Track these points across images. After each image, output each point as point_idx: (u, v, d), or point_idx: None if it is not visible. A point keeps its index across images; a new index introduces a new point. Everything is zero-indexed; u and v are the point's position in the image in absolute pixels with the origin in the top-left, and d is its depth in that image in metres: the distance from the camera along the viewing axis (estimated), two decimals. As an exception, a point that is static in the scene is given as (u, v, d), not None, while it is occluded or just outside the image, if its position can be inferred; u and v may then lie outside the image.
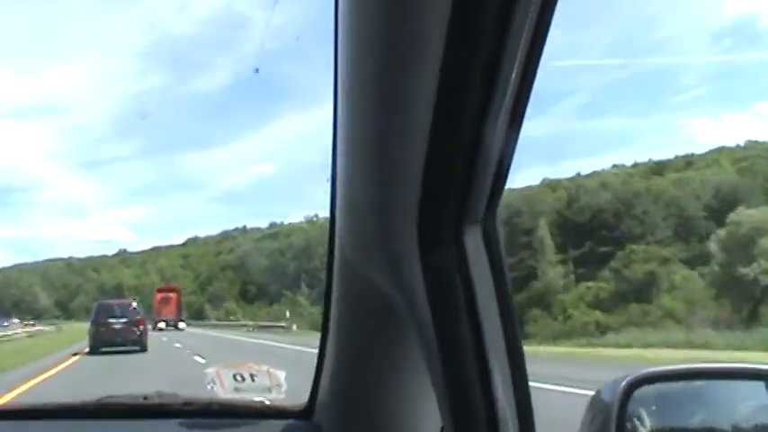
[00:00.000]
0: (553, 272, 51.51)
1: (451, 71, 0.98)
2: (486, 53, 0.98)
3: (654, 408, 1.77)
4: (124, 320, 27.17)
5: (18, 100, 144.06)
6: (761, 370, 1.91)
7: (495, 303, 1.20)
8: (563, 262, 52.67)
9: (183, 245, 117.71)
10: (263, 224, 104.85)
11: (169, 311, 60.21)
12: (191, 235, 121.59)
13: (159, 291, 65.87)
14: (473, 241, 1.18)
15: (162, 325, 55.46)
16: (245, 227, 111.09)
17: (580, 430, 1.68)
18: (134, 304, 29.81)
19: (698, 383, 1.94)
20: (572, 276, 51.51)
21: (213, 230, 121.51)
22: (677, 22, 70.97)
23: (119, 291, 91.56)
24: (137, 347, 26.24)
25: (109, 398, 2.19)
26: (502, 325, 1.20)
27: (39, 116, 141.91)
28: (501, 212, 1.21)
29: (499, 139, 1.09)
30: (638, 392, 1.69)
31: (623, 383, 1.67)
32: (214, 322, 70.22)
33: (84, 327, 29.72)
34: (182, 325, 57.70)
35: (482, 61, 0.98)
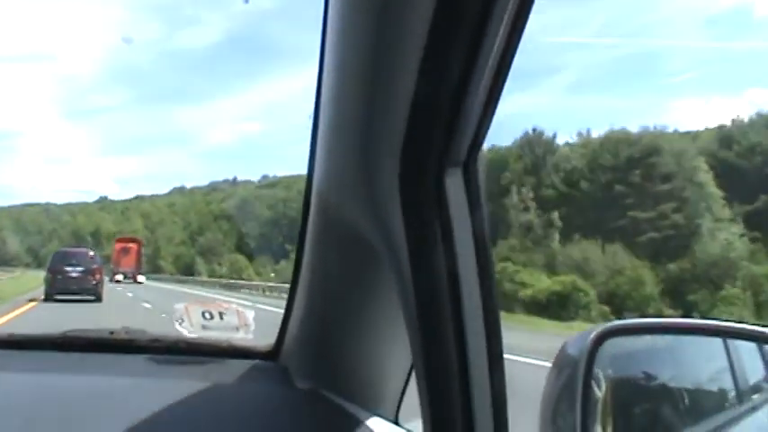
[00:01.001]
0: (727, 233, 41.81)
1: (442, 10, 0.98)
2: (474, 11, 0.98)
3: (614, 367, 1.77)
4: (80, 269, 27.30)
5: (3, 45, 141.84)
6: (721, 327, 1.93)
7: (473, 247, 1.20)
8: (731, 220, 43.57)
9: (169, 194, 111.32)
10: (255, 177, 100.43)
11: (128, 263, 57.98)
12: (176, 184, 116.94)
13: (118, 241, 63.44)
14: (454, 183, 1.18)
15: (120, 277, 53.53)
16: (235, 178, 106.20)
17: (546, 386, 1.66)
18: (91, 253, 30.03)
19: (657, 342, 1.93)
20: (742, 239, 41.65)
21: (201, 182, 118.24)
22: (672, 5, 69.54)
23: (96, 238, 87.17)
24: (92, 296, 26.31)
25: (74, 331, 2.17)
26: (477, 267, 1.20)
27: (24, 62, 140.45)
28: (483, 157, 1.22)
29: (485, 84, 1.09)
30: (604, 346, 1.68)
31: (590, 336, 1.66)
32: (204, 279, 63.22)
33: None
34: (141, 278, 55.69)
35: (473, 5, 0.99)
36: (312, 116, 1.52)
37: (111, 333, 2.18)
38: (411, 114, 1.11)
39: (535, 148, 53.85)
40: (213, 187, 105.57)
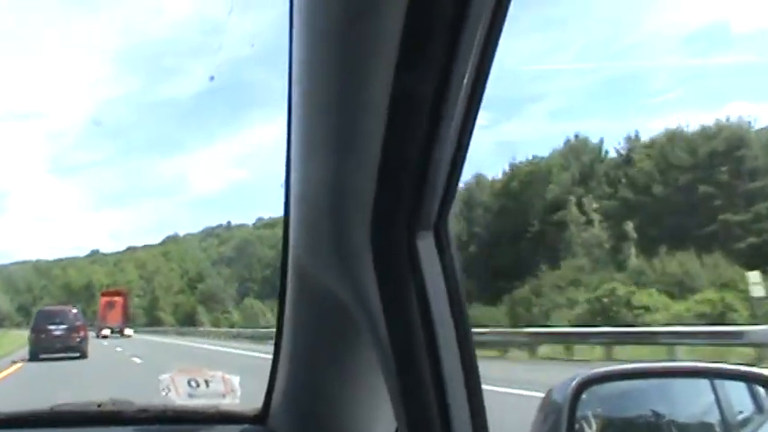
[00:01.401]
0: None
1: (404, 79, 1.01)
2: (437, 61, 1.01)
3: (604, 407, 1.82)
4: (64, 327, 27.34)
5: None
6: (705, 368, 2.01)
7: (448, 307, 1.22)
8: None
9: (162, 243, 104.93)
10: (249, 220, 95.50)
11: (114, 317, 56.81)
12: (169, 233, 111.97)
13: (103, 294, 62.40)
14: (425, 246, 1.21)
15: (106, 332, 52.09)
16: (229, 223, 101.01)
17: (532, 430, 1.69)
18: (74, 311, 29.93)
19: (647, 383, 1.97)
20: None
21: (194, 229, 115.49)
22: (650, 25, 67.78)
23: (88, 291, 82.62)
24: (77, 354, 26.21)
25: (61, 405, 2.16)
26: (454, 327, 1.22)
27: (9, 121, 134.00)
28: (452, 219, 1.24)
29: (450, 147, 1.12)
30: (588, 392, 1.71)
31: (573, 383, 1.69)
32: (208, 329, 58.01)
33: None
34: (128, 331, 54.19)
35: (435, 69, 1.01)
36: (284, 182, 1.53)
37: (99, 405, 2.15)
38: (379, 179, 1.13)
39: (581, 155, 48.52)
40: (208, 233, 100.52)
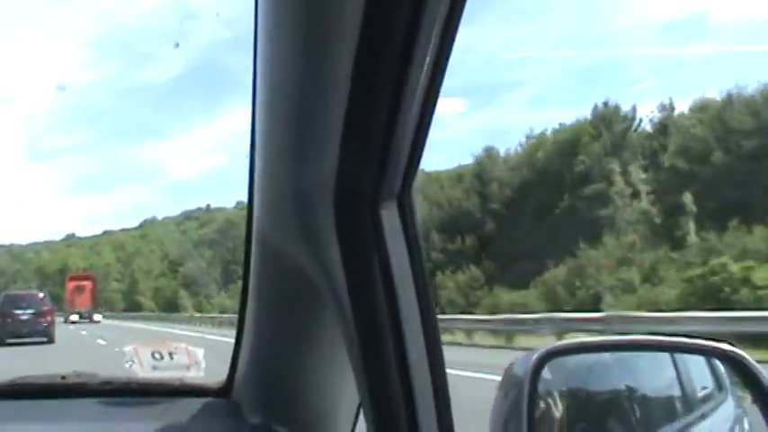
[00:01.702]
0: None
1: (367, 49, 1.00)
2: (400, 31, 1.00)
3: (565, 381, 1.81)
4: (31, 311, 27.27)
5: None
6: (667, 342, 1.97)
7: (411, 277, 1.22)
8: None
9: (140, 227, 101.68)
10: (229, 204, 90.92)
11: (83, 302, 55.76)
12: (147, 217, 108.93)
13: (71, 278, 60.59)
14: (389, 215, 1.21)
15: (75, 317, 51.04)
16: (208, 206, 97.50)
17: (493, 408, 1.69)
18: (41, 295, 30.06)
19: (609, 356, 1.97)
20: None
21: (172, 212, 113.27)
22: (627, 14, 70.95)
23: (64, 274, 78.00)
24: (44, 339, 26.14)
25: (23, 378, 2.14)
26: (417, 299, 1.23)
27: None
28: (415, 190, 1.25)
29: (414, 117, 1.11)
30: (550, 366, 1.71)
31: (534, 357, 1.70)
32: (191, 315, 54.07)
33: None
34: (97, 317, 53.00)
35: (397, 40, 1.01)
36: (249, 152, 1.52)
37: (63, 378, 2.13)
38: (342, 147, 1.12)
39: (613, 124, 43.82)
40: (186, 216, 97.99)
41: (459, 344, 21.13)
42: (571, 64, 69.19)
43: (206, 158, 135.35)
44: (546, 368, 1.69)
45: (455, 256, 43.84)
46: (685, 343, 1.94)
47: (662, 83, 75.15)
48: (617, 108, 44.29)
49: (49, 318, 27.79)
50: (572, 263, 35.57)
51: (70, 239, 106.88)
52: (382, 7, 0.97)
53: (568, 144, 44.15)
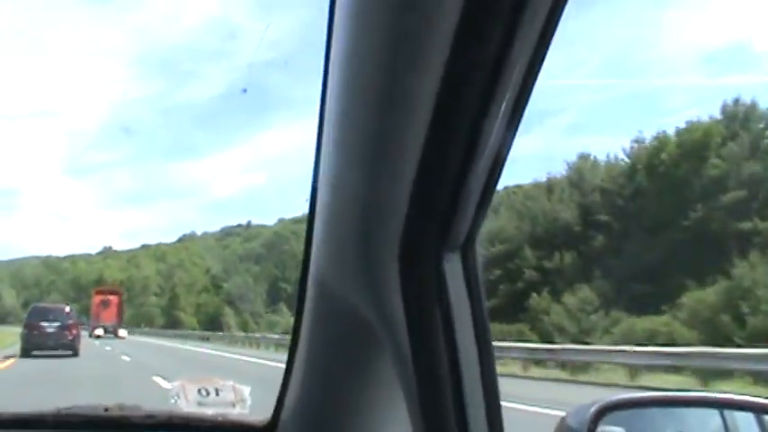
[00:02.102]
0: None
1: (446, 96, 1.01)
2: (482, 80, 1.00)
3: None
4: (57, 324, 27.38)
5: (8, 103, 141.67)
6: (715, 399, 2.01)
7: (472, 329, 1.22)
8: None
9: (179, 241, 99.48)
10: (270, 221, 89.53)
11: (108, 316, 54.41)
12: (185, 232, 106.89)
13: (97, 292, 59.53)
14: (452, 268, 1.20)
15: (99, 332, 49.86)
16: (249, 222, 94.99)
17: None
18: (67, 309, 30.05)
19: (658, 411, 1.97)
20: None
21: (211, 228, 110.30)
22: (669, 43, 70.10)
23: (99, 286, 74.90)
24: (69, 352, 26.31)
25: (68, 409, 2.13)
26: (477, 351, 1.22)
27: (29, 119, 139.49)
28: (479, 242, 1.23)
29: (483, 171, 1.12)
30: (605, 420, 1.70)
31: (592, 409, 1.68)
32: (236, 334, 50.83)
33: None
34: (122, 332, 51.92)
35: (478, 88, 1.01)
36: (309, 197, 1.53)
37: (106, 410, 2.14)
38: (411, 199, 1.13)
39: (751, 124, 37.49)
40: (227, 232, 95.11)
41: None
42: (612, 92, 70.67)
43: (245, 177, 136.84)
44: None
45: (552, 274, 39.42)
46: (735, 399, 1.96)
47: (703, 112, 69.73)
48: (753, 105, 38.00)
49: (74, 331, 27.93)
50: (725, 283, 29.06)
51: (106, 252, 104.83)
52: (463, 56, 0.96)
53: (697, 146, 37.62)
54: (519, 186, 47.02)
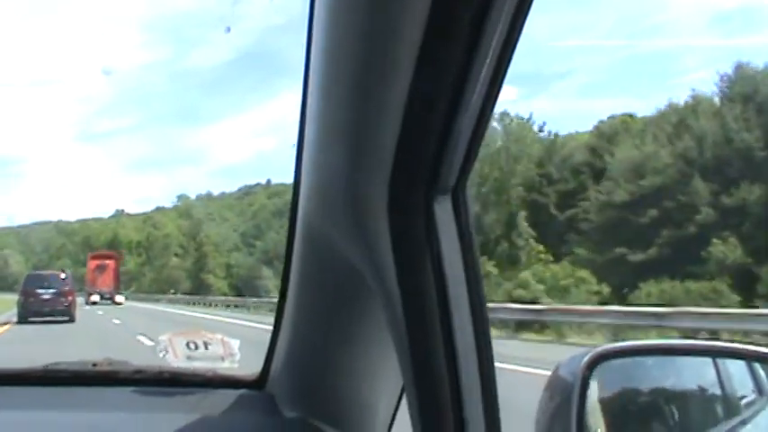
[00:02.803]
0: None
1: (431, 41, 0.99)
2: (466, 27, 0.98)
3: (609, 384, 1.80)
4: (53, 291, 28.04)
5: (16, 69, 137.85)
6: (708, 346, 2.00)
7: (463, 273, 1.21)
8: None
9: (197, 199, 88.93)
10: (289, 180, 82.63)
11: (105, 282, 52.74)
12: (200, 192, 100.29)
13: (93, 257, 57.53)
14: (442, 210, 1.19)
15: (95, 298, 48.09)
16: (269, 181, 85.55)
17: (539, 410, 1.68)
18: (63, 275, 30.56)
19: (656, 358, 1.96)
20: None
21: (229, 188, 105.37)
22: (680, 5, 67.82)
23: (114, 248, 71.83)
24: (65, 318, 26.83)
25: (56, 364, 2.13)
26: (468, 294, 1.22)
27: (37, 86, 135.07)
28: (469, 184, 1.22)
29: (474, 110, 1.10)
30: (598, 369, 1.70)
31: (585, 359, 1.68)
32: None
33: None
34: (119, 298, 49.61)
35: (462, 33, 0.99)
36: (297, 139, 1.51)
37: (94, 365, 2.13)
38: (400, 141, 1.11)
39: None
40: (246, 192, 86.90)
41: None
42: (622, 53, 71.37)
43: (257, 141, 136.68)
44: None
45: (734, 214, 32.24)
46: (728, 347, 1.95)
47: (714, 74, 67.42)
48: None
49: (69, 297, 28.55)
50: None
51: (119, 216, 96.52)
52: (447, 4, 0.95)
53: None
54: (630, 116, 42.87)
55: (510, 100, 46.33)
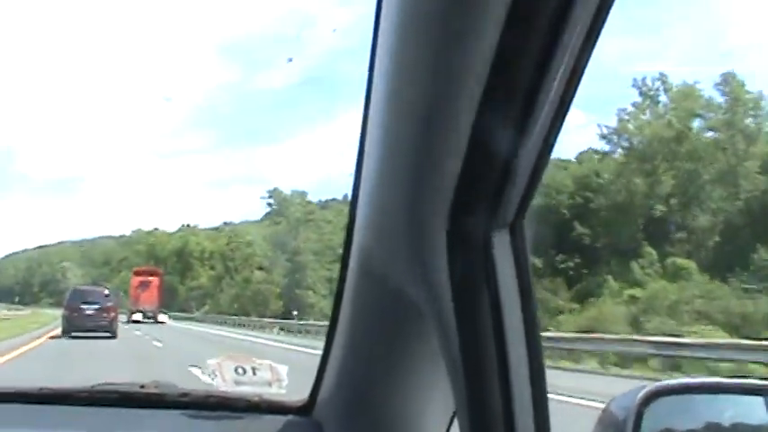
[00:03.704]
0: None
1: (498, 71, 0.99)
2: (534, 56, 0.99)
3: (662, 422, 1.79)
4: (96, 306, 28.68)
5: (95, 89, 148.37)
6: (761, 386, 1.95)
7: (519, 309, 1.21)
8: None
9: (265, 217, 77.69)
10: None
11: (148, 299, 49.39)
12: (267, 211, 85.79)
13: (136, 273, 54.59)
14: (501, 246, 1.20)
15: (138, 316, 45.84)
16: (346, 196, 78.04)
17: None
18: (106, 292, 31.60)
19: (710, 398, 1.95)
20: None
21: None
22: (755, 29, 65.00)
23: (181, 258, 69.35)
24: (107, 333, 27.47)
25: (104, 384, 2.16)
26: (524, 331, 1.21)
27: (113, 106, 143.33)
28: (528, 219, 1.22)
29: (535, 148, 1.10)
30: (652, 405, 1.69)
31: (640, 395, 1.67)
32: None
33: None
34: (162, 317, 47.56)
35: (530, 64, 0.99)
36: (354, 169, 1.51)
37: (142, 387, 2.15)
38: (462, 175, 1.11)
39: None
40: (323, 206, 74.95)
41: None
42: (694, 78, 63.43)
43: (323, 163, 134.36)
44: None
45: None
46: None
47: None
48: None
49: (112, 314, 29.32)
50: None
51: (185, 230, 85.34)
52: (519, 25, 0.95)
53: None
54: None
55: (579, 124, 45.40)
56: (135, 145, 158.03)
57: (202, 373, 2.08)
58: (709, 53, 64.03)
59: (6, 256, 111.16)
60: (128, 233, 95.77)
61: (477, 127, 1.04)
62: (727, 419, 1.90)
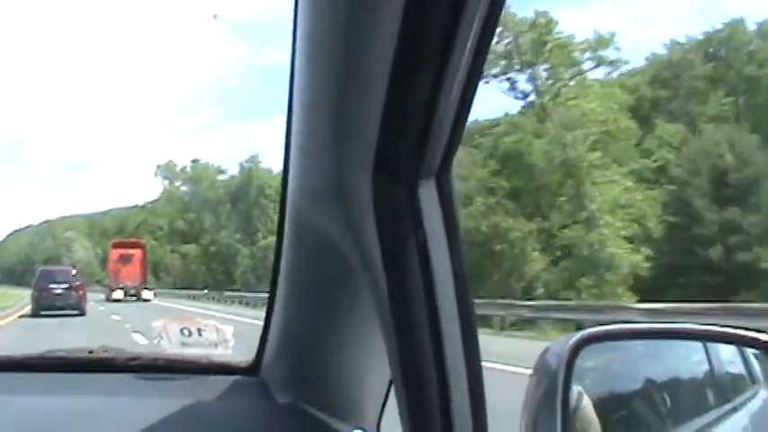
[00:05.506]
0: None
1: (411, 23, 0.99)
2: (445, 7, 0.99)
3: (599, 367, 1.79)
4: (64, 286, 28.90)
5: (100, 71, 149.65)
6: (699, 331, 1.94)
7: (448, 257, 1.21)
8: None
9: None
10: None
11: (129, 275, 44.21)
12: None
13: (115, 246, 49.37)
14: (427, 194, 1.20)
15: (118, 294, 40.95)
16: None
17: (526, 395, 1.67)
18: (73, 271, 31.87)
19: (646, 343, 1.94)
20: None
21: None
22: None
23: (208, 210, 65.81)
24: (76, 311, 27.67)
25: (53, 351, 2.18)
26: (453, 278, 1.22)
27: (116, 87, 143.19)
28: (454, 169, 1.23)
29: (456, 96, 1.10)
30: (584, 352, 1.67)
31: (569, 343, 1.67)
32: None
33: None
34: (147, 294, 41.94)
35: (443, 13, 1.00)
36: (284, 130, 1.52)
37: (90, 352, 2.16)
38: (383, 126, 1.11)
39: None
40: None
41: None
42: None
43: None
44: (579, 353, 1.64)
45: None
46: (720, 332, 1.89)
47: None
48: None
49: (80, 292, 29.48)
50: None
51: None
52: None
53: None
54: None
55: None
56: (144, 123, 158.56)
57: (144, 337, 2.10)
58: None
59: (9, 234, 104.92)
60: (140, 203, 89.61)
61: (394, 77, 1.04)
62: (663, 364, 1.91)
